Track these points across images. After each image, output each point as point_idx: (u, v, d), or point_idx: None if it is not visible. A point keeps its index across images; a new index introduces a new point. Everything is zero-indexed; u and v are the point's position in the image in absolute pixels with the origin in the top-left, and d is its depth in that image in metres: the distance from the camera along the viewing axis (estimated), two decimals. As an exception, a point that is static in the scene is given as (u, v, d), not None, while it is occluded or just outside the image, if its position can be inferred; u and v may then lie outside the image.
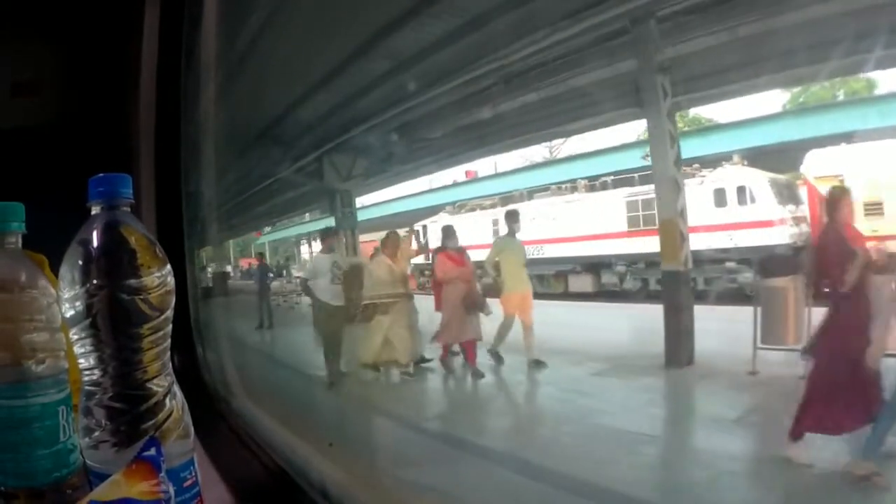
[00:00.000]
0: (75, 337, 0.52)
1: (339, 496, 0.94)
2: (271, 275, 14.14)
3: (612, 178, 10.03)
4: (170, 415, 0.52)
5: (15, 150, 1.36)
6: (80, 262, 0.51)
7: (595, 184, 10.41)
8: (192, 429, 0.55)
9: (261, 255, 15.00)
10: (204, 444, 0.73)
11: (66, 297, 0.51)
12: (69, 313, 0.51)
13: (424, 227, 14.57)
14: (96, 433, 0.51)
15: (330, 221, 13.65)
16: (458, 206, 14.22)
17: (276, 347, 10.05)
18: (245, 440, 1.08)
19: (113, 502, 0.44)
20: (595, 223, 9.97)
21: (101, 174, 0.54)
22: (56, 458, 0.59)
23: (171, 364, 0.55)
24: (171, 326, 0.54)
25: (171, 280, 0.53)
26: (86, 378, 0.52)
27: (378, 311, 5.93)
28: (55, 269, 0.54)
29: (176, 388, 0.54)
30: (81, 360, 0.52)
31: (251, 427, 1.17)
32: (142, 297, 0.51)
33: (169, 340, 0.54)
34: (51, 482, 0.59)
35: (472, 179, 15.16)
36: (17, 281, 0.60)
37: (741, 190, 8.04)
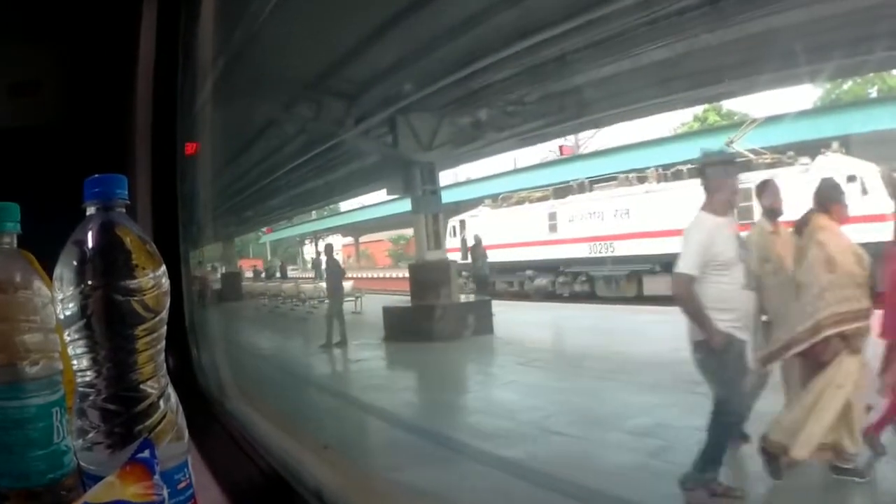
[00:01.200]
0: (70, 338, 0.52)
1: (334, 499, 0.94)
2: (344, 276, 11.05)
3: (686, 167, 8.95)
4: (164, 417, 0.52)
5: (11, 150, 1.36)
6: (75, 263, 0.51)
7: (666, 173, 9.37)
8: (186, 431, 0.55)
9: (330, 248, 11.64)
10: (198, 447, 0.73)
11: (60, 298, 0.51)
12: (64, 314, 0.51)
13: (462, 222, 13.55)
14: (90, 435, 0.51)
15: (402, 205, 11.58)
16: (502, 199, 12.78)
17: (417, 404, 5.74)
18: (240, 442, 1.07)
19: (107, 504, 0.44)
20: (678, 216, 8.47)
21: (96, 175, 0.54)
22: (50, 459, 0.59)
23: (165, 366, 0.55)
24: (165, 328, 0.54)
25: (165, 281, 0.53)
26: (80, 379, 0.52)
27: (840, 344, 2.79)
28: (50, 270, 0.54)
29: (170, 390, 0.54)
30: (76, 362, 0.52)
31: (246, 429, 1.17)
32: (136, 298, 0.51)
33: (164, 342, 0.54)
34: (45, 484, 0.59)
35: (544, 163, 13.48)
36: (12, 281, 0.59)
37: (851, 180, 7.04)
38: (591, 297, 10.17)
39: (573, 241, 10.48)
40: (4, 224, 0.61)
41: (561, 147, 12.29)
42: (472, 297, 10.14)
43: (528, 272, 11.60)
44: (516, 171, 14.25)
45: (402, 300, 10.19)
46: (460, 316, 8.37)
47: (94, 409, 0.51)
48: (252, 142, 9.94)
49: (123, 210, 0.54)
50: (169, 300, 0.54)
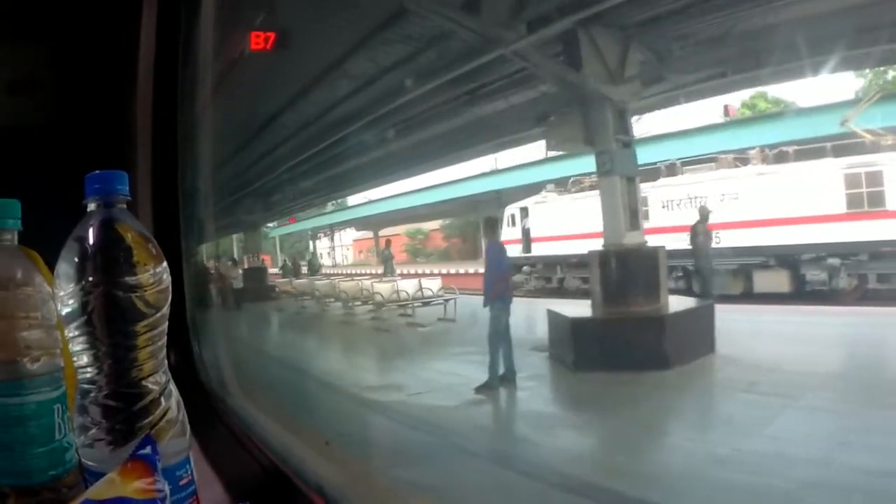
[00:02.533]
0: (71, 334, 0.52)
1: (335, 495, 0.94)
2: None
3: (792, 148, 7.72)
4: (165, 413, 0.52)
5: (12, 146, 1.36)
6: (76, 260, 0.51)
7: (769, 155, 8.09)
8: (187, 427, 0.55)
9: (492, 223, 7.96)
10: (200, 443, 0.73)
11: (61, 295, 0.51)
12: (65, 311, 0.51)
13: (524, 209, 11.71)
14: (92, 431, 0.51)
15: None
16: (572, 183, 10.74)
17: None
18: (241, 439, 1.08)
19: (108, 501, 0.44)
20: (794, 203, 7.36)
21: (97, 171, 0.54)
22: (51, 456, 0.59)
23: (167, 362, 0.55)
24: (167, 324, 0.54)
25: (166, 277, 0.53)
26: (81, 376, 0.52)
27: None
28: (51, 267, 0.54)
29: (172, 387, 0.54)
30: (77, 358, 0.52)
31: (248, 426, 1.17)
32: (137, 294, 0.51)
33: (165, 338, 0.54)
34: (46, 481, 0.58)
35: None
36: (13, 278, 0.59)
37: None
38: (686, 293, 8.29)
39: (668, 230, 8.68)
40: (5, 221, 0.61)
41: (726, 107, 9.66)
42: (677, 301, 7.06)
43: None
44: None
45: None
46: (679, 330, 5.63)
47: (95, 405, 0.51)
48: (305, 93, 7.84)
49: (124, 206, 0.54)
50: (170, 296, 0.54)
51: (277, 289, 15.31)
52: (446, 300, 9.14)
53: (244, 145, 9.42)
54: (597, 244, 8.52)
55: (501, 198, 12.68)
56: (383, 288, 10.27)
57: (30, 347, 0.59)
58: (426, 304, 9.47)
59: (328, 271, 19.67)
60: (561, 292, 9.95)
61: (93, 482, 0.48)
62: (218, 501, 0.77)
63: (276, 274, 18.58)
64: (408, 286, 9.93)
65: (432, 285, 9.99)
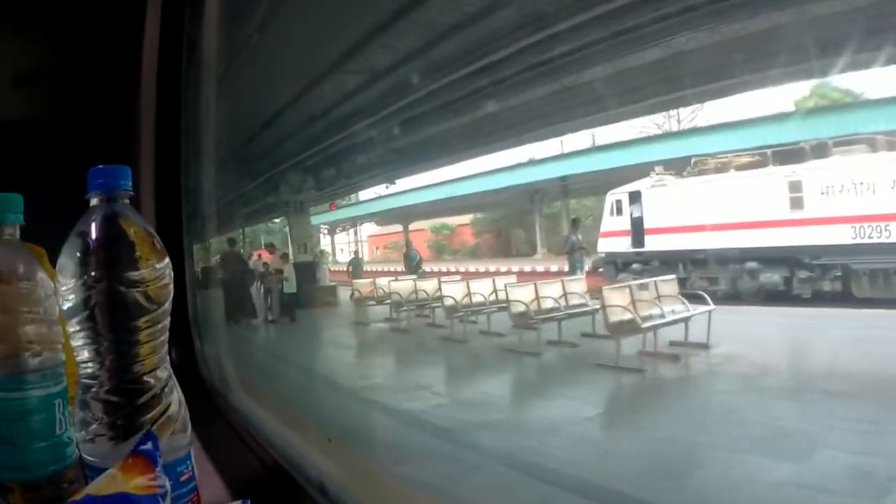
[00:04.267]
0: (73, 329, 0.51)
1: (336, 493, 0.94)
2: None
3: None
4: (167, 409, 0.52)
5: (14, 141, 1.35)
6: (79, 254, 0.51)
7: None
8: (189, 423, 0.55)
9: None
10: (201, 439, 0.73)
11: (63, 289, 0.51)
12: (67, 305, 0.51)
13: (634, 194, 9.79)
14: (93, 426, 0.51)
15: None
16: (696, 164, 9.10)
17: None
18: (242, 435, 1.07)
19: (109, 496, 0.44)
20: None
21: (100, 166, 0.53)
22: (52, 451, 0.59)
23: (168, 358, 0.54)
24: (169, 320, 0.54)
25: (169, 273, 0.53)
26: (83, 371, 0.52)
27: None
28: (53, 261, 0.54)
29: (173, 383, 0.54)
30: (78, 353, 0.52)
31: (249, 422, 1.17)
32: (140, 289, 0.50)
33: (167, 334, 0.54)
34: (47, 476, 0.58)
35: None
36: (15, 272, 0.59)
37: None
38: (844, 298, 7.31)
39: (829, 221, 7.48)
40: (7, 215, 0.60)
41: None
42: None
43: (749, 265, 8.22)
44: (696, 131, 10.59)
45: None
46: None
47: (96, 400, 0.51)
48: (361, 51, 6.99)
49: (127, 201, 0.54)
50: (172, 292, 0.54)
51: (357, 293, 11.34)
52: (686, 316, 6.05)
53: (281, 112, 8.50)
54: (748, 237, 7.85)
55: (567, 186, 11.20)
56: (618, 297, 6.12)
57: (31, 342, 0.58)
58: (679, 322, 6.05)
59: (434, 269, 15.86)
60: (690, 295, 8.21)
61: (93, 477, 0.48)
62: (219, 498, 0.76)
63: (337, 272, 15.84)
64: (646, 295, 6.35)
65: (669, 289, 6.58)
